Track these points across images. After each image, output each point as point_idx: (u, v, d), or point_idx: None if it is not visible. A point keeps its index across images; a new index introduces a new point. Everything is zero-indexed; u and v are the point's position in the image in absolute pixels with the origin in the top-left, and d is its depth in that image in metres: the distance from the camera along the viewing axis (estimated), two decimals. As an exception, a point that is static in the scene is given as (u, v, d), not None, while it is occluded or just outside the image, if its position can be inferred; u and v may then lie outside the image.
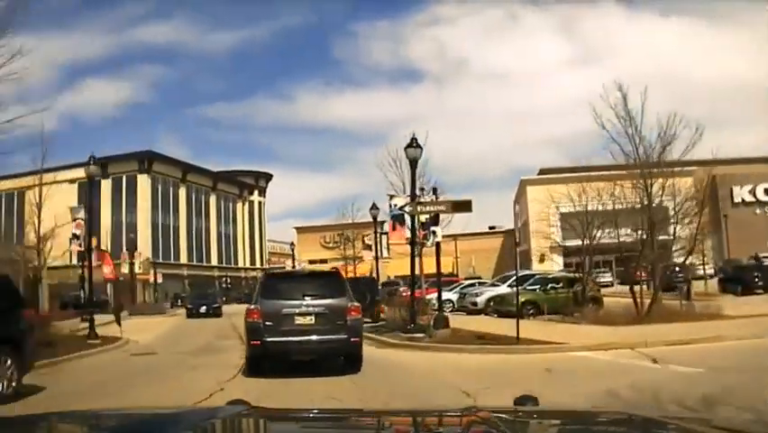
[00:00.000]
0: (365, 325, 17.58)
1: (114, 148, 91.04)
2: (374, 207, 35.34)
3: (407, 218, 21.22)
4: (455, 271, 63.27)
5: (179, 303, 57.91)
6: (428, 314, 22.10)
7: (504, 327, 20.69)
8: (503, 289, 35.01)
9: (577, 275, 32.46)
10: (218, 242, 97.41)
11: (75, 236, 21.78)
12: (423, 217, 20.79)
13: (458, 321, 22.99)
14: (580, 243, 30.73)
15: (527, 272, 38.76)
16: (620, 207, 27.22)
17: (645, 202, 23.21)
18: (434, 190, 20.58)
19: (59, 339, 20.25)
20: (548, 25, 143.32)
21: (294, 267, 68.12)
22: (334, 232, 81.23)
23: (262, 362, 13.21)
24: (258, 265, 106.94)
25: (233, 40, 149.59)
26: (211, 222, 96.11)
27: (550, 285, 32.29)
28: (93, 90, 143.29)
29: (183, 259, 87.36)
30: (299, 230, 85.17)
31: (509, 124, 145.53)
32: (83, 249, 22.36)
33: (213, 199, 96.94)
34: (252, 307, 13.28)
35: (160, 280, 66.67)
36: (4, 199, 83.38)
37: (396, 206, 21.16)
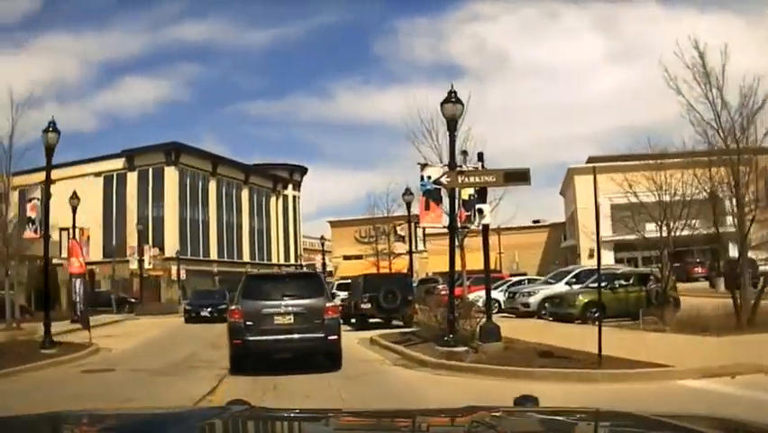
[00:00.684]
0: (395, 331, 17.40)
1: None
2: (408, 192, 30.51)
3: (445, 196, 16.41)
4: (499, 268, 58.51)
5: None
6: (471, 318, 17.09)
7: (569, 336, 16.87)
8: (560, 287, 29.84)
9: (652, 270, 27.12)
10: (250, 237, 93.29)
11: (30, 220, 17.22)
12: (465, 193, 15.89)
13: (508, 327, 17.97)
14: (631, 237, 28.30)
15: (586, 268, 33.50)
16: (677, 197, 23.28)
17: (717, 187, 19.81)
18: (480, 157, 15.46)
19: (10, 347, 17.01)
20: (586, 21, 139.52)
21: (324, 263, 63.82)
22: (370, 226, 77.05)
23: (244, 360, 13.63)
24: (292, 261, 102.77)
25: (269, 38, 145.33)
26: (243, 216, 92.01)
27: (618, 283, 26.90)
28: (131, 89, 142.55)
29: (213, 255, 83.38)
30: (333, 224, 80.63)
31: (550, 119, 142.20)
32: (38, 236, 17.78)
33: (245, 193, 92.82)
34: (234, 307, 13.87)
35: (183, 276, 62.52)
36: (27, 194, 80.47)
37: (428, 178, 16.05)
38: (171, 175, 77.90)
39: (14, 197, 77.91)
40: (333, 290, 33.90)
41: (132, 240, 74.16)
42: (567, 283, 30.36)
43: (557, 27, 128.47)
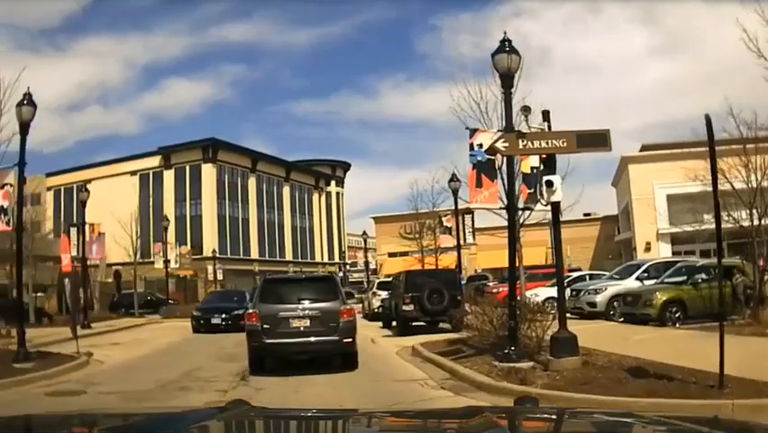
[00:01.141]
0: (442, 337, 16.42)
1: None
2: (454, 178, 27.02)
3: (501, 167, 13.00)
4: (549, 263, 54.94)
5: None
6: (534, 322, 13.56)
7: (655, 344, 14.03)
8: (630, 283, 25.95)
9: (742, 261, 23.09)
10: (293, 235, 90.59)
11: (1, 210, 14.20)
12: (526, 165, 12.46)
13: (575, 332, 14.27)
14: (689, 228, 27.32)
15: (658, 260, 29.60)
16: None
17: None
18: (546, 117, 11.89)
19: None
20: (629, 15, 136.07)
21: (367, 261, 60.71)
22: (415, 221, 73.59)
23: (262, 361, 13.79)
24: (336, 260, 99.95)
25: (313, 37, 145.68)
26: (284, 214, 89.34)
27: (699, 277, 22.91)
28: (175, 90, 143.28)
29: (254, 254, 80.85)
30: (377, 220, 77.10)
31: (594, 114, 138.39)
32: (10, 228, 14.78)
33: (286, 190, 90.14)
34: (251, 311, 14.04)
35: (220, 276, 59.92)
36: (62, 194, 79.18)
37: (479, 147, 12.55)
38: (209, 172, 75.53)
39: (49, 196, 77.19)
40: (374, 290, 30.55)
41: (168, 236, 72.25)
42: (638, 279, 26.46)
43: (599, 21, 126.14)
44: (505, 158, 12.73)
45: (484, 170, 12.58)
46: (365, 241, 60.14)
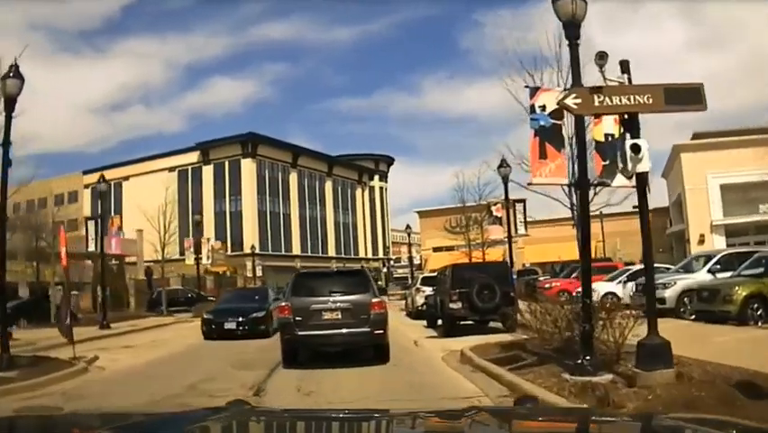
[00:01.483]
0: (494, 339, 15.38)
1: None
2: (504, 164, 24.57)
3: (568, 131, 10.62)
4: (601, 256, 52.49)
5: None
6: (610, 323, 11.06)
7: (745, 347, 12.14)
8: (701, 276, 23.17)
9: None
10: (336, 231, 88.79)
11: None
12: (599, 132, 10.06)
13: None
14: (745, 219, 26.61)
15: (733, 251, 26.73)
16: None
17: None
18: (626, 68, 9.42)
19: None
20: (669, 9, 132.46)
21: (411, 257, 58.54)
22: (460, 215, 71.06)
23: (295, 354, 14.01)
24: (380, 255, 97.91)
25: (355, 34, 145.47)
26: (327, 209, 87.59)
27: (784, 269, 20.09)
28: (217, 89, 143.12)
29: (296, 250, 79.18)
30: (422, 214, 74.73)
31: None
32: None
33: (328, 185, 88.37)
34: (284, 304, 14.31)
35: (259, 272, 58.24)
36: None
37: (542, 110, 10.14)
38: (248, 167, 74.05)
39: (86, 194, 76.58)
40: (418, 286, 28.19)
41: (208, 233, 70.88)
42: (710, 271, 23.66)
43: (640, 15, 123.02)
44: (572, 121, 10.32)
45: (548, 138, 10.16)
46: (409, 235, 57.65)
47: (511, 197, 25.68)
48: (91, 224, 25.60)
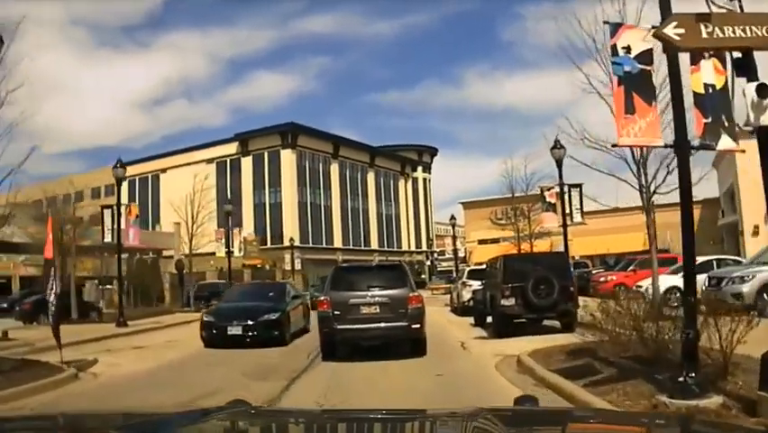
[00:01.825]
0: (556, 341, 13.51)
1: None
2: (557, 145, 22.21)
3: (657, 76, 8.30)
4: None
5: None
6: (715, 321, 8.66)
7: None
8: (782, 268, 20.52)
9: None
10: (378, 223, 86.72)
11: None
12: (698, 80, 7.74)
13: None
14: None
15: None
16: None
17: None
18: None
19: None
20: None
21: (456, 249, 56.23)
22: (507, 206, 68.44)
23: (334, 347, 14.03)
24: (423, 248, 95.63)
25: (398, 27, 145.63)
26: (369, 201, 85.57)
27: None
28: (260, 83, 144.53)
29: (337, 242, 77.35)
30: (466, 206, 72.16)
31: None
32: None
33: (370, 176, 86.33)
34: (323, 298, 14.33)
35: (298, 265, 56.47)
36: (137, 185, 77.66)
37: (626, 52, 7.78)
38: (288, 158, 72.38)
39: (124, 187, 75.46)
40: (464, 279, 25.89)
41: (247, 225, 69.43)
42: (794, 262, 21.04)
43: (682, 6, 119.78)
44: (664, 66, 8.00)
45: (636, 87, 7.77)
46: (453, 227, 55.21)
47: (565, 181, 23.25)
48: (107, 213, 23.47)
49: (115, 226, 22.73)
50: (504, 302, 16.11)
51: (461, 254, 66.86)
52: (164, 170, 75.48)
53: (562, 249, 22.58)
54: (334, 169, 79.20)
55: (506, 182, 38.84)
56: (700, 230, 59.19)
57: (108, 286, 45.86)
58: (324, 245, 74.41)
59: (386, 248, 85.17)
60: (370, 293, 13.92)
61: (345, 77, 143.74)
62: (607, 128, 13.88)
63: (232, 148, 74.32)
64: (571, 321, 16.61)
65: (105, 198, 74.30)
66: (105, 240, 23.44)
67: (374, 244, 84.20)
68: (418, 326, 13.79)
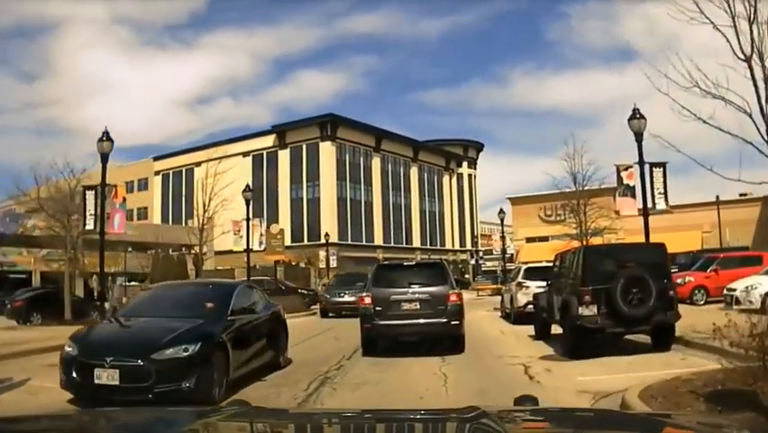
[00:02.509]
0: (669, 375, 8.84)
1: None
2: (637, 113, 18.30)
3: None
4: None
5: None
6: None
7: None
8: None
9: None
10: (421, 220, 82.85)
11: None
12: None
13: None
14: None
15: None
16: None
17: None
18: None
19: None
20: None
21: (504, 246, 52.18)
22: (557, 202, 64.13)
23: (374, 342, 14.24)
24: (468, 247, 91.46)
25: (444, 26, 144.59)
26: (412, 197, 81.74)
27: None
28: (305, 82, 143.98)
29: (378, 239, 73.69)
30: (514, 201, 67.81)
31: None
32: None
33: (414, 171, 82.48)
34: (364, 294, 14.50)
35: (333, 263, 53.00)
36: (171, 179, 75.06)
37: None
38: (327, 151, 68.94)
39: (157, 181, 73.06)
40: (520, 279, 21.75)
41: (284, 221, 66.16)
42: None
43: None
44: None
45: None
46: (502, 221, 50.83)
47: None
48: (90, 196, 19.41)
49: (98, 211, 19.03)
50: (583, 311, 12.07)
51: (508, 252, 62.65)
52: (198, 164, 72.73)
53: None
54: (376, 163, 75.58)
55: (568, 165, 34.73)
56: (760, 227, 54.99)
57: (133, 283, 43.02)
58: (363, 243, 70.86)
59: (428, 246, 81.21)
60: (410, 290, 14.12)
61: (390, 76, 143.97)
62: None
63: (269, 141, 71.27)
64: (668, 336, 12.68)
65: (137, 192, 72.03)
66: (87, 227, 19.70)
67: (416, 242, 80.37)
68: (457, 322, 13.98)
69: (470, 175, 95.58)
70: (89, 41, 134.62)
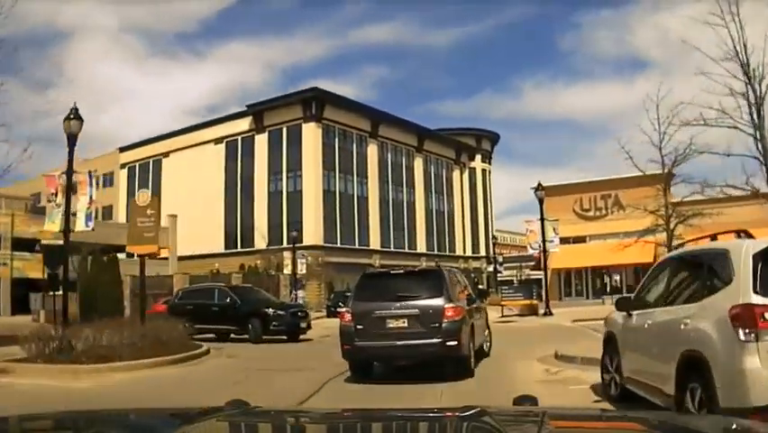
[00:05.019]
0: None
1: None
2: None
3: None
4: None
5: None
6: None
7: None
8: None
9: None
10: (426, 221, 70.72)
11: None
12: None
13: None
14: None
15: None
16: None
17: None
18: None
19: None
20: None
21: (543, 240, 40.64)
22: (599, 192, 51.95)
23: (361, 366, 12.76)
24: (482, 253, 79.28)
25: (456, 37, 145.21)
26: (416, 194, 69.76)
27: None
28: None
29: (373, 243, 61.68)
30: (544, 191, 55.77)
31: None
32: None
33: (418, 163, 70.51)
34: (345, 309, 13.15)
35: (302, 269, 41.98)
36: (137, 171, 64.39)
37: None
38: (312, 134, 57.03)
39: (123, 175, 63.69)
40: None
41: (260, 221, 55.21)
42: None
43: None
44: None
45: None
46: (541, 204, 38.47)
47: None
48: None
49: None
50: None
51: (532, 253, 50.19)
52: (166, 154, 61.95)
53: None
54: (372, 151, 63.61)
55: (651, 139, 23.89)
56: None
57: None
58: (356, 246, 58.84)
59: (435, 251, 69.08)
60: (397, 304, 12.15)
61: (401, 86, 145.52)
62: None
63: (244, 124, 59.95)
64: None
65: (103, 188, 60.82)
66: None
67: (421, 247, 68.34)
68: (454, 343, 11.97)
69: (483, 170, 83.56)
70: (103, 48, 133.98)
